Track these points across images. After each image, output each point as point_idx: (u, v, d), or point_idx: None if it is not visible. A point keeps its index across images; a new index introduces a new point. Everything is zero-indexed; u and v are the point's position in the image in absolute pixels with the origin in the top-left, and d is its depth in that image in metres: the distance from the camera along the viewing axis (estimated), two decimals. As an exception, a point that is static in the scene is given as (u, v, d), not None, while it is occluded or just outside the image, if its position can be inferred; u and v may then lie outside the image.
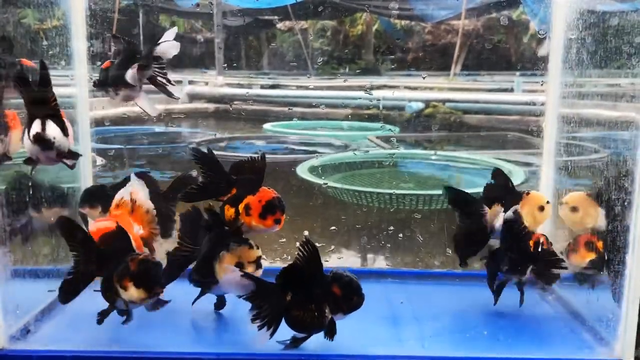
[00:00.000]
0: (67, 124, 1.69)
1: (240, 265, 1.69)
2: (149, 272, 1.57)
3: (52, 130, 1.60)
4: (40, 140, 1.59)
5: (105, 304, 1.67)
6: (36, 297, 1.90)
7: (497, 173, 1.98)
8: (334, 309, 1.62)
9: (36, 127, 1.60)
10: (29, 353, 1.67)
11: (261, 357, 1.66)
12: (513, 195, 1.92)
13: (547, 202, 1.92)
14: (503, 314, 1.96)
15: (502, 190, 1.94)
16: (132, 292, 1.57)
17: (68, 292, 1.62)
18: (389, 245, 3.50)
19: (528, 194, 1.93)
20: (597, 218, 1.89)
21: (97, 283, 2.16)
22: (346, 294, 1.63)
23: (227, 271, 1.68)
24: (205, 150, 1.76)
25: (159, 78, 1.80)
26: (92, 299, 2.04)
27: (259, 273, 1.70)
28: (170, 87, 1.82)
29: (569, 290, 2.05)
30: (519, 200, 1.90)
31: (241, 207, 1.69)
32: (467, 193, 1.97)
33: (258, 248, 1.72)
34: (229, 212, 1.72)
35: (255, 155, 1.73)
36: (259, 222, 1.68)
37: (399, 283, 2.09)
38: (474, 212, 1.93)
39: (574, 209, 1.95)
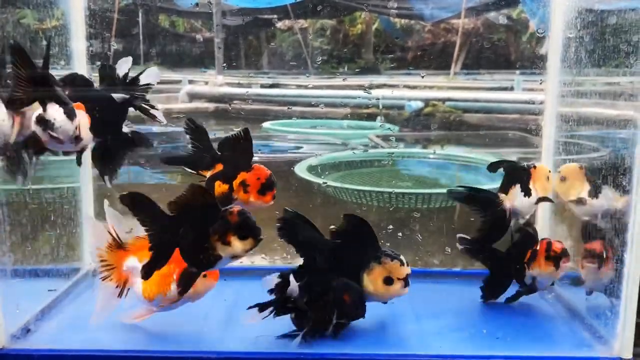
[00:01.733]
0: (82, 114, 1.71)
1: (389, 280, 1.72)
2: (251, 222, 1.56)
3: (53, 112, 1.63)
4: (41, 120, 1.63)
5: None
6: (37, 297, 1.91)
7: (501, 166, 2.02)
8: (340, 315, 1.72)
9: (40, 109, 1.64)
10: (29, 352, 1.67)
11: (262, 356, 1.67)
12: (525, 174, 1.99)
13: (549, 171, 2.04)
14: (502, 312, 1.97)
15: (518, 174, 2.00)
16: (237, 246, 1.55)
17: (151, 268, 1.59)
18: (388, 244, 3.49)
19: (535, 167, 2.01)
20: (581, 191, 1.96)
21: (96, 283, 2.19)
22: (354, 303, 1.72)
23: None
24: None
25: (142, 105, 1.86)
26: (92, 299, 2.05)
27: (405, 292, 1.74)
28: (153, 111, 1.87)
29: (568, 288, 2.05)
30: (530, 177, 1.99)
31: (236, 183, 1.71)
32: (479, 191, 2.02)
33: (408, 265, 1.74)
34: (221, 188, 1.73)
35: (238, 132, 1.74)
36: (257, 199, 1.71)
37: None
38: (491, 205, 1.98)
39: (563, 179, 2.03)
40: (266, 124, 7.73)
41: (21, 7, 1.91)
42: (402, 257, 1.74)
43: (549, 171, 2.03)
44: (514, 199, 1.98)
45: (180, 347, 1.71)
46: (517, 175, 1.99)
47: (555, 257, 1.89)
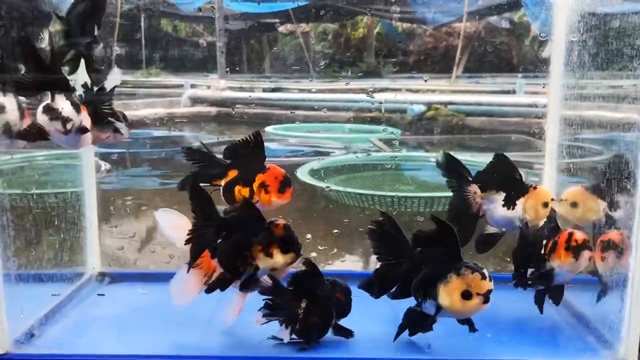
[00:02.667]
0: (85, 115, 1.73)
1: (467, 294, 1.58)
2: (295, 237, 1.57)
3: (61, 103, 1.68)
4: (48, 109, 1.67)
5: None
6: (40, 301, 1.91)
7: (501, 160, 1.94)
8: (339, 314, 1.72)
9: (48, 99, 1.69)
10: (33, 357, 1.67)
11: (265, 360, 1.67)
12: (518, 187, 1.92)
13: (552, 199, 1.92)
14: (506, 316, 1.96)
15: (502, 177, 1.92)
16: (278, 258, 1.57)
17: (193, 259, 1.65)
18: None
19: (535, 188, 1.93)
20: (599, 211, 1.89)
21: (100, 288, 2.20)
22: (347, 299, 1.72)
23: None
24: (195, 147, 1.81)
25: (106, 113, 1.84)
26: (95, 303, 2.06)
27: (484, 307, 1.59)
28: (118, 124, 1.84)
29: (573, 292, 2.04)
30: (525, 193, 1.91)
31: (255, 186, 1.72)
32: (462, 166, 1.95)
33: (491, 280, 1.59)
34: (242, 192, 1.74)
35: (248, 135, 1.74)
36: (278, 198, 1.71)
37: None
38: (460, 189, 1.93)
39: (574, 205, 1.96)
40: (269, 129, 7.75)
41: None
42: (484, 270, 1.58)
43: (551, 199, 1.92)
44: (489, 202, 1.93)
45: (184, 352, 1.71)
46: (508, 184, 1.91)
47: (576, 248, 1.76)
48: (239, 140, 1.75)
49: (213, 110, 9.58)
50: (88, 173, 2.25)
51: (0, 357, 1.63)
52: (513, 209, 1.91)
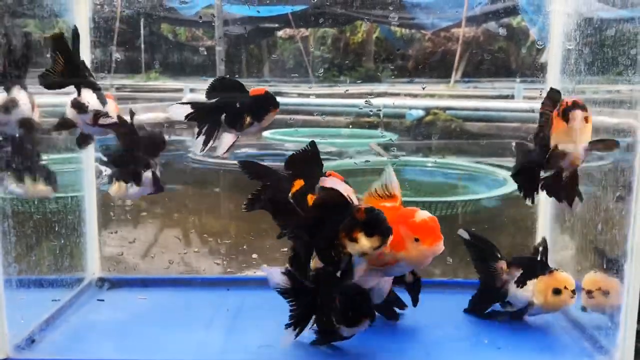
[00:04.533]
0: (112, 102, 1.86)
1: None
2: (379, 220, 1.50)
3: (87, 96, 1.81)
4: (76, 104, 1.80)
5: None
6: (41, 307, 1.92)
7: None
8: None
9: (74, 94, 1.83)
10: (33, 363, 1.68)
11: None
12: (539, 267, 1.90)
13: (573, 291, 1.85)
14: (503, 322, 1.97)
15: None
16: (364, 243, 1.49)
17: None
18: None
19: (552, 272, 1.88)
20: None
21: (100, 293, 2.21)
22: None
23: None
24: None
25: None
26: (95, 308, 2.07)
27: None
28: None
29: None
30: (543, 273, 1.89)
31: None
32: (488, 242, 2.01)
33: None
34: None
35: (306, 146, 1.77)
36: None
37: (400, 291, 2.10)
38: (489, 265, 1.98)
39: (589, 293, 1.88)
40: (266, 133, 7.76)
41: (25, 18, 1.95)
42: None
43: (572, 291, 1.86)
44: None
45: (183, 356, 1.72)
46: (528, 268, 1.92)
47: (574, 106, 1.66)
48: (300, 150, 1.76)
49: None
50: (88, 179, 2.27)
51: (1, 362, 1.64)
52: (522, 287, 1.91)
